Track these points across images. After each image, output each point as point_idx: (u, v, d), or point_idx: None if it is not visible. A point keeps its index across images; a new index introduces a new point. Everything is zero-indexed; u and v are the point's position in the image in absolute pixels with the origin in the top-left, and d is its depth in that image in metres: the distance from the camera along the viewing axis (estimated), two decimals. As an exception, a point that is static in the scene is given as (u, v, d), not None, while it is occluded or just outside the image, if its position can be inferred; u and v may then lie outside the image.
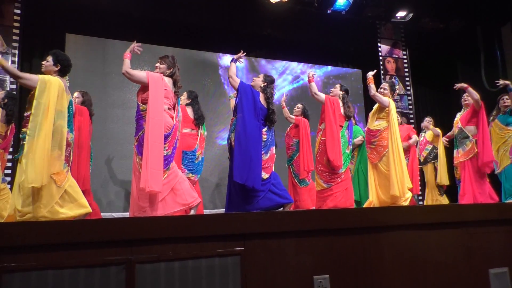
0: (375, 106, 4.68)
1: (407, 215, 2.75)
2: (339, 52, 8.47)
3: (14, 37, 5.82)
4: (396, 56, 8.49)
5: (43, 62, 3.36)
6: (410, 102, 8.31)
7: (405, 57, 8.55)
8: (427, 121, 6.33)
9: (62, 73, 3.41)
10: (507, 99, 4.96)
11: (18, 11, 5.91)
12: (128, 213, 3.76)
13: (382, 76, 8.12)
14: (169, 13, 6.91)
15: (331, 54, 8.40)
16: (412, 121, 7.84)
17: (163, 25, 7.03)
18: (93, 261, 2.01)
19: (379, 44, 8.40)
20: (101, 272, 2.00)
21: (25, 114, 3.19)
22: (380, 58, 8.35)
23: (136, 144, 3.45)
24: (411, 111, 8.25)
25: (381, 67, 8.28)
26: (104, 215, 5.44)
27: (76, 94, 4.62)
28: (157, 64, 3.68)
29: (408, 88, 8.38)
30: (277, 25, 7.66)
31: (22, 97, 5.26)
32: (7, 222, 2.84)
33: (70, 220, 2.93)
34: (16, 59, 5.75)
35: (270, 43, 7.84)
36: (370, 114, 4.71)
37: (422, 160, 6.25)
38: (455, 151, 5.10)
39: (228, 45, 7.46)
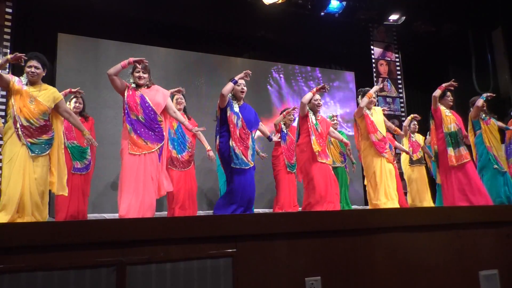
0: (381, 116, 4.78)
1: (398, 217, 2.77)
2: (332, 54, 8.52)
3: (6, 36, 5.77)
4: (389, 59, 8.55)
5: (33, 70, 3.25)
6: (402, 105, 8.37)
7: (397, 60, 8.62)
8: (414, 125, 6.37)
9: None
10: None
11: (10, 10, 5.86)
12: (116, 215, 3.73)
13: (375, 79, 8.17)
14: (162, 13, 6.90)
15: (324, 56, 8.44)
16: (404, 123, 7.88)
17: (156, 26, 7.02)
18: (83, 262, 1.99)
19: (371, 47, 8.47)
20: (91, 274, 1.98)
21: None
22: (373, 60, 8.41)
23: (158, 153, 3.49)
24: (403, 114, 8.31)
25: (374, 70, 8.33)
26: (95, 216, 5.40)
27: (79, 101, 4.64)
28: (141, 74, 3.55)
29: (400, 90, 8.44)
30: (270, 27, 7.67)
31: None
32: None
33: (61, 221, 2.90)
34: (7, 58, 5.70)
35: (263, 44, 7.86)
36: (379, 123, 4.71)
37: (414, 160, 6.27)
38: (450, 149, 4.65)
39: (221, 46, 7.46)
